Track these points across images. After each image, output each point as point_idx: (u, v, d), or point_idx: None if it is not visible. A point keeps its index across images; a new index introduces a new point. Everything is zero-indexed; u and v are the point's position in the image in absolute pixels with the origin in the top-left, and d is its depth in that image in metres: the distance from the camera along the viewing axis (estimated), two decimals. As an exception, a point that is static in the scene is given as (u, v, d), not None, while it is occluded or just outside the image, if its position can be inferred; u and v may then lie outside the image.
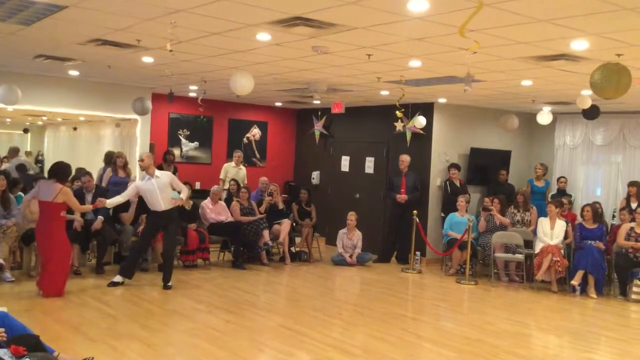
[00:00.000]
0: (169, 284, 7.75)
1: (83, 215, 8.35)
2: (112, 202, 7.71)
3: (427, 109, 10.71)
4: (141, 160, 7.77)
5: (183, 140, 12.34)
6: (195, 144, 12.50)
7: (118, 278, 7.72)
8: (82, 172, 8.88)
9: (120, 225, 8.67)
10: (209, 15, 5.25)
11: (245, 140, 13.21)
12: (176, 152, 11.89)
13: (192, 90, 11.05)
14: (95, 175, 9.37)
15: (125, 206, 8.46)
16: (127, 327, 5.98)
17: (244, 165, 11.50)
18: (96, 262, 8.55)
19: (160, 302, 7.11)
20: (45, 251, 7.02)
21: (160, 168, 10.79)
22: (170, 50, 5.99)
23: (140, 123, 10.99)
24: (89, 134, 14.95)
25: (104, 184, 9.21)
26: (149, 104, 10.02)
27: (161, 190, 7.67)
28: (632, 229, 8.68)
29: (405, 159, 10.58)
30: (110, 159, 9.71)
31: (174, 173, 10.47)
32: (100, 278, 8.08)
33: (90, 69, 8.96)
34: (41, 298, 6.87)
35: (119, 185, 8.90)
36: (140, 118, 10.78)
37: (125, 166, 9.48)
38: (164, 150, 11.13)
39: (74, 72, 9.51)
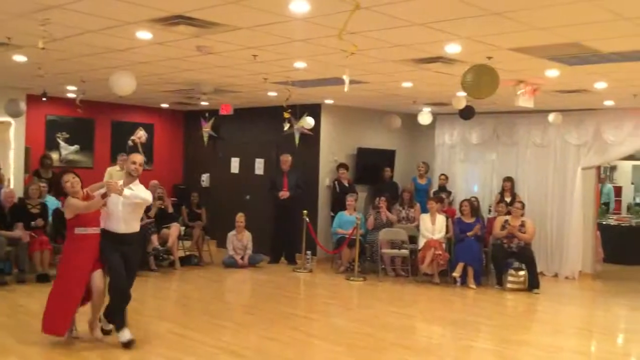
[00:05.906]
0: None
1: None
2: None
3: (314, 110, 10.86)
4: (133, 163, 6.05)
5: (62, 144, 11.71)
6: (76, 147, 11.91)
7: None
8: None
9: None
10: (84, 12, 5.02)
11: (130, 142, 12.74)
12: (55, 156, 11.28)
13: (71, 91, 10.53)
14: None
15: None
16: (1, 341, 5.61)
17: (129, 169, 11.10)
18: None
19: (37, 314, 6.68)
20: None
21: (37, 174, 10.25)
22: (43, 48, 5.69)
23: (14, 126, 10.33)
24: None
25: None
26: (23, 106, 9.49)
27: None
28: (506, 221, 9.25)
29: (287, 159, 10.67)
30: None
31: (51, 178, 9.95)
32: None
33: (-45, 68, 8.32)
34: None
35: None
36: (13, 120, 10.15)
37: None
38: (40, 154, 10.54)
39: (-64, 72, 8.79)
